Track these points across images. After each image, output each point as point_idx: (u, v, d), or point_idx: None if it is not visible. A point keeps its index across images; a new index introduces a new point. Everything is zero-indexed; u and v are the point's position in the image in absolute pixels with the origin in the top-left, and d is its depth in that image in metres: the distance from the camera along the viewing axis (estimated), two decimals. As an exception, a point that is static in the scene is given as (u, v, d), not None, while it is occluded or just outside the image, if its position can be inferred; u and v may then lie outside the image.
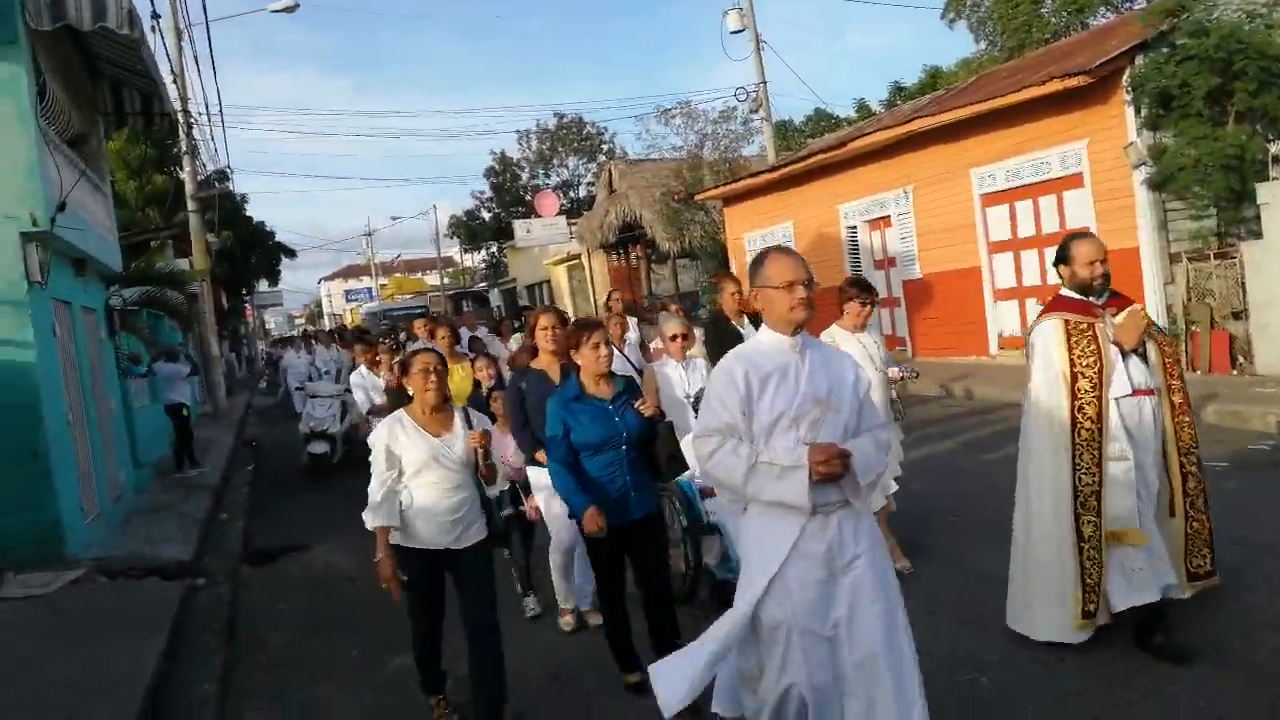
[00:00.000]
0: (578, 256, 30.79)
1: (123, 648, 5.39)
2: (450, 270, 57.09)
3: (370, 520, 3.84)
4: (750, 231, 20.22)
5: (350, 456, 11.33)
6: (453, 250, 54.02)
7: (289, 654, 5.26)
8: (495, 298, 41.33)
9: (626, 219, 25.52)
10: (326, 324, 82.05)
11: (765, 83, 21.60)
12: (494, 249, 43.04)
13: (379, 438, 3.90)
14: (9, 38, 6.73)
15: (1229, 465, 6.96)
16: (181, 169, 22.00)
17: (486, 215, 42.38)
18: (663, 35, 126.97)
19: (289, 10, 16.66)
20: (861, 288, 5.58)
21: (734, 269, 20.93)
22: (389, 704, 4.46)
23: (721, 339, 6.08)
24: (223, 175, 24.11)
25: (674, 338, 5.46)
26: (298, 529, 8.47)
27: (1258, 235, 10.58)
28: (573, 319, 7.88)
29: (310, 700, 4.55)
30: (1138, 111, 11.30)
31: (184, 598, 6.61)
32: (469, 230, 43.04)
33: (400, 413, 3.99)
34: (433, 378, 3.89)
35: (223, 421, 17.74)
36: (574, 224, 29.44)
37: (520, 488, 5.39)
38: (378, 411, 7.38)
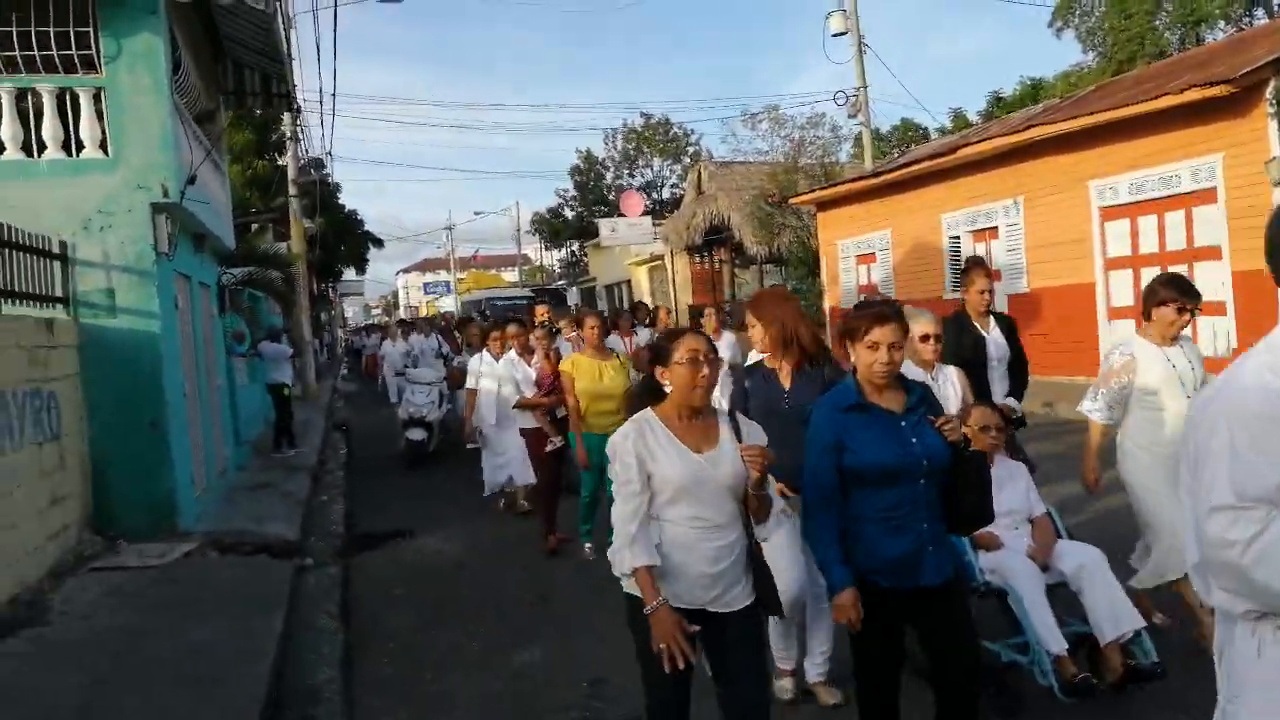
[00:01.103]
0: (660, 257, 30.65)
1: (243, 623, 5.33)
2: (525, 268, 57.45)
3: (627, 559, 2.77)
4: (844, 238, 19.81)
5: (446, 443, 11.33)
6: (532, 247, 54.37)
7: (411, 641, 5.14)
8: (573, 296, 41.44)
9: (713, 221, 25.29)
10: (403, 314, 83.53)
11: (866, 87, 21.17)
12: (575, 247, 43.15)
13: (623, 444, 2.87)
14: (150, 8, 6.78)
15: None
16: (281, 155, 22.48)
17: (569, 213, 42.52)
18: (751, 38, 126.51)
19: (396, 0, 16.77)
20: (1179, 289, 4.34)
21: (824, 276, 20.58)
22: (516, 698, 4.28)
23: (961, 342, 5.16)
24: (319, 163, 24.53)
25: (924, 338, 4.23)
26: (399, 514, 8.41)
27: None
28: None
29: (438, 693, 4.40)
30: (1282, 125, 10.69)
31: (294, 576, 6.60)
32: (551, 227, 43.24)
33: (648, 414, 2.94)
34: (704, 371, 2.87)
35: (312, 404, 17.98)
36: (659, 224, 29.30)
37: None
38: (535, 406, 7.07)
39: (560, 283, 45.63)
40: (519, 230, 46.78)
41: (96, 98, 6.75)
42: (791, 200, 21.10)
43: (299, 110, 16.90)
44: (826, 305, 20.38)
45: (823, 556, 3.00)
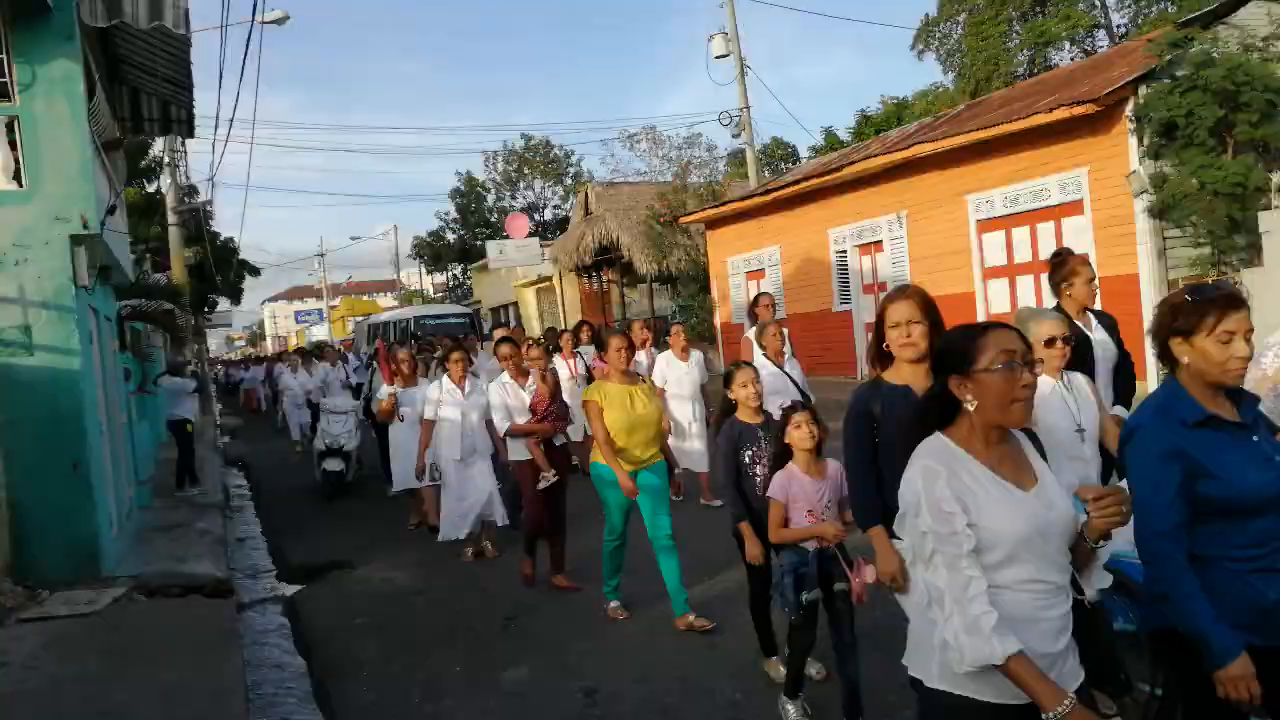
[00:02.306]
0: (548, 279, 30.70)
1: (203, 664, 5.18)
2: (400, 292, 56.38)
3: (996, 646, 2.00)
4: (734, 255, 20.38)
5: (361, 474, 11.14)
6: (412, 271, 53.44)
7: (386, 670, 5.09)
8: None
9: (602, 241, 25.54)
10: (270, 345, 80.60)
11: (748, 108, 21.89)
12: (457, 270, 42.71)
13: (936, 487, 2.13)
14: (66, 33, 6.53)
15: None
16: (149, 182, 21.58)
17: (451, 236, 42.07)
18: (623, 63, 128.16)
19: (279, 23, 16.42)
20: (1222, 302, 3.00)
21: (714, 293, 21.11)
22: (515, 714, 4.34)
23: None
24: (193, 189, 23.64)
25: (1050, 342, 3.63)
26: (329, 547, 8.26)
27: (1250, 264, 10.98)
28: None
29: (432, 715, 4.41)
30: (1140, 140, 11.67)
31: (235, 615, 6.42)
32: (432, 251, 42.67)
33: (945, 443, 2.23)
34: (1026, 377, 2.16)
35: (198, 440, 17.25)
36: (546, 245, 29.38)
37: (839, 550, 3.90)
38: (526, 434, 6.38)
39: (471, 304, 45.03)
40: (397, 254, 45.98)
41: (10, 127, 6.44)
42: (681, 219, 21.56)
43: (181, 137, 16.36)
44: (718, 321, 20.89)
45: (1193, 616, 2.34)
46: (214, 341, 76.05)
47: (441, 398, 7.20)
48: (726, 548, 6.19)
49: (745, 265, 20.14)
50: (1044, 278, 14.21)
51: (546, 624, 5.58)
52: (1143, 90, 11.59)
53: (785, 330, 6.90)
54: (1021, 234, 13.82)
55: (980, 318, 14.53)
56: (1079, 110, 11.73)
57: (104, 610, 6.37)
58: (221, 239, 28.51)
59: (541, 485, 6.19)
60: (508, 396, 6.45)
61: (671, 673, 4.61)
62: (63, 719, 4.34)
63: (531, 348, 6.90)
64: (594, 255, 26.03)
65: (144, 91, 10.01)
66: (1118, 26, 25.55)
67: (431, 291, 55.42)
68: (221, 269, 26.77)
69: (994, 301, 14.40)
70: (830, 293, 17.60)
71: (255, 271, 31.77)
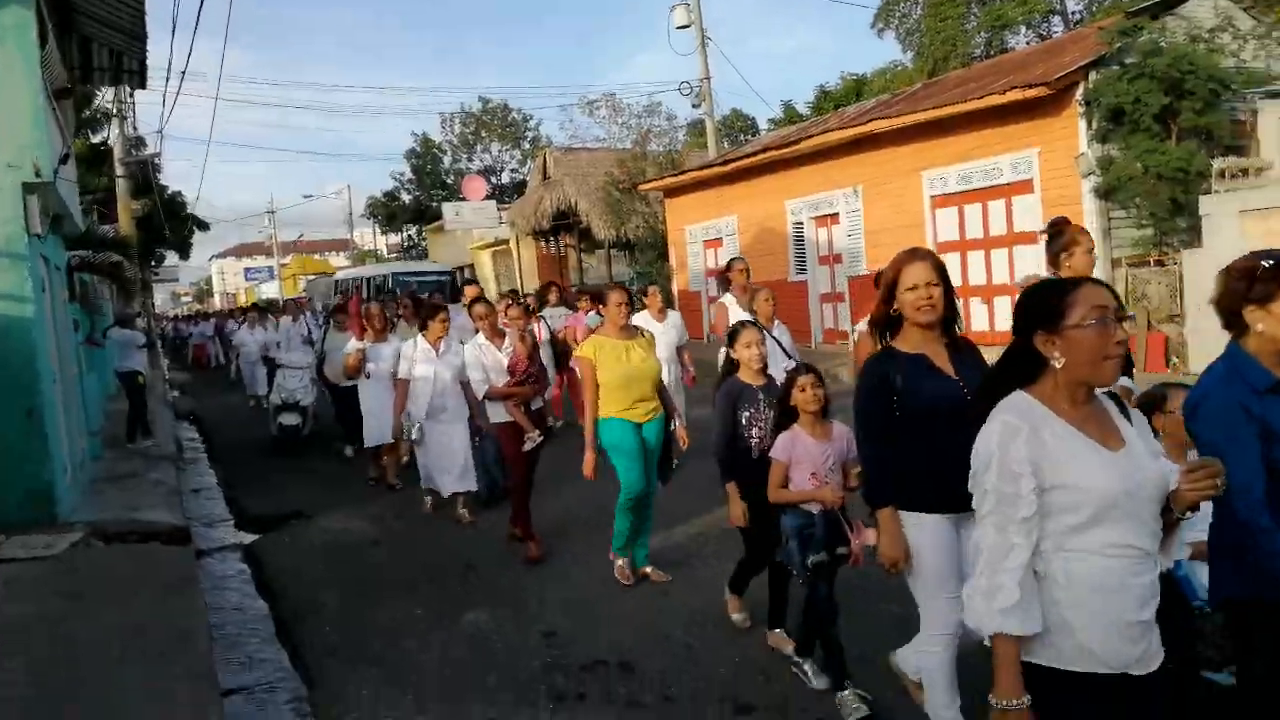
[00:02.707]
0: (505, 242, 30.60)
1: (164, 605, 5.26)
2: (353, 252, 55.73)
3: (1015, 619, 2.02)
4: (692, 223, 20.52)
5: (316, 429, 11.16)
6: (365, 231, 52.82)
7: (349, 614, 5.22)
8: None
9: (560, 206, 25.52)
10: (218, 302, 79.18)
11: (709, 79, 21.95)
12: (412, 231, 42.31)
13: (1011, 445, 2.07)
14: (21, -21, 6.43)
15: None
16: (94, 132, 21.08)
17: (406, 197, 41.62)
18: (585, 25, 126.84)
19: (236, -28, 16.07)
20: None
21: (673, 260, 21.26)
22: (478, 655, 4.50)
23: None
24: (141, 141, 23.14)
25: None
26: (285, 499, 8.32)
27: (1190, 245, 11.43)
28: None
29: (397, 657, 4.55)
30: (1089, 124, 12.03)
31: (195, 562, 6.49)
32: (387, 211, 42.19)
33: (1027, 399, 2.14)
34: (1118, 334, 2.08)
35: (150, 394, 17.04)
36: (503, 209, 29.26)
37: (842, 513, 3.87)
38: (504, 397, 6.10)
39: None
40: (351, 214, 45.40)
41: (-37, 72, 6.35)
42: (641, 186, 21.62)
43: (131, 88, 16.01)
44: (675, 289, 21.05)
45: None
46: (160, 297, 74.52)
47: (415, 356, 6.99)
48: (686, 503, 6.44)
49: (703, 234, 20.30)
50: (995, 253, 14.62)
51: (505, 573, 5.74)
52: (1093, 76, 11.94)
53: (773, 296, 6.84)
54: (974, 211, 14.16)
55: (930, 292, 14.85)
56: (1031, 93, 12.04)
57: (62, 554, 6.40)
58: (170, 192, 27.93)
59: (527, 447, 6.00)
60: (484, 357, 6.18)
61: (627, 619, 4.81)
62: (29, 651, 4.40)
63: (510, 307, 6.54)
64: (552, 220, 26.02)
65: (96, 41, 9.82)
66: (1073, 13, 26.01)
67: (385, 252, 54.79)
68: (170, 223, 26.26)
69: (944, 277, 14.73)
70: (786, 263, 17.85)
71: (204, 226, 31.23)
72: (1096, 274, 12.67)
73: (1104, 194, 11.95)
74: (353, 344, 8.38)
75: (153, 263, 28.07)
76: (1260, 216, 10.37)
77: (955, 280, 12.71)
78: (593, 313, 9.77)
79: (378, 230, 48.35)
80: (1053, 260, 4.61)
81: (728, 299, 7.34)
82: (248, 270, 75.32)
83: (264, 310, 15.74)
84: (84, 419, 10.49)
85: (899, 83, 27.00)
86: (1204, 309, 9.09)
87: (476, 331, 6.47)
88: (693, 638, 4.51)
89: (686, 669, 4.15)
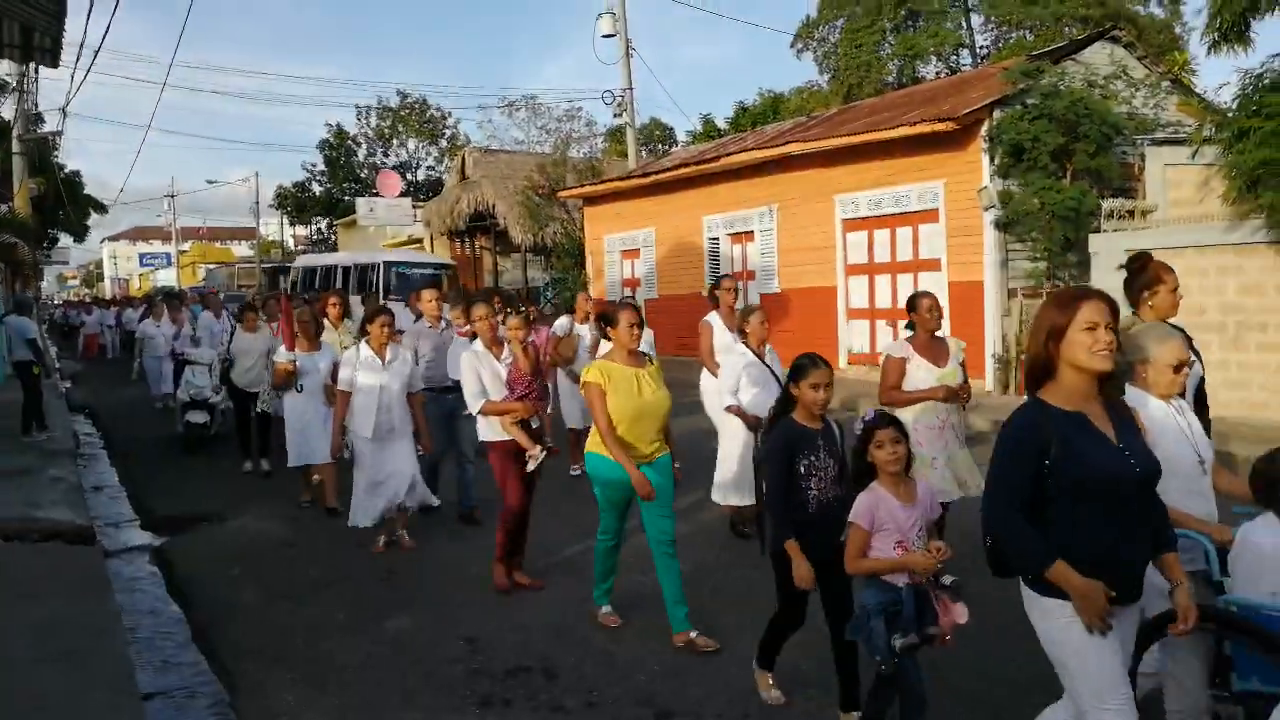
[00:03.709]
0: (419, 240, 30.28)
1: (75, 605, 5.19)
2: (257, 242, 54.19)
3: None
4: (610, 233, 20.71)
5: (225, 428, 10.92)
6: (271, 223, 51.44)
7: (267, 617, 5.23)
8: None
9: (478, 207, 25.43)
10: (108, 288, 75.86)
11: (632, 89, 22.22)
12: (322, 224, 41.44)
13: None
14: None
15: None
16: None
17: (317, 188, 40.75)
18: (510, 26, 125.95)
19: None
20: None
21: (590, 268, 21.43)
22: (400, 657, 4.58)
23: None
24: (40, 118, 22.19)
25: (1179, 367, 3.28)
26: (194, 499, 8.18)
27: (1079, 279, 12.14)
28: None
29: (318, 658, 4.60)
30: (992, 159, 12.67)
31: (103, 562, 6.37)
32: (297, 202, 41.23)
33: None
34: None
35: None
36: (419, 206, 28.99)
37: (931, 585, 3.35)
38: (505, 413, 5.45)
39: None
40: (258, 202, 44.20)
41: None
42: (560, 193, 21.74)
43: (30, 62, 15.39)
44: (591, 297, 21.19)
45: None
46: (44, 280, 71.10)
47: (358, 364, 6.32)
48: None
49: (621, 244, 20.52)
50: (901, 278, 15.14)
51: (425, 577, 5.82)
52: (997, 113, 12.58)
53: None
54: (882, 235, 14.72)
55: (841, 311, 15.41)
56: (940, 126, 12.62)
57: (-41, 552, 6.22)
58: (66, 171, 26.80)
59: (530, 466, 5.42)
60: (481, 367, 5.52)
61: (547, 625, 4.96)
62: (-62, 654, 4.31)
63: (510, 316, 5.69)
64: (468, 220, 25.89)
65: (6, 16, 9.49)
66: (980, 48, 27.17)
67: (293, 244, 53.47)
68: (63, 204, 25.19)
69: (854, 297, 15.29)
70: (702, 277, 18.17)
71: (103, 209, 30.00)
72: (992, 302, 13.25)
73: (1003, 226, 12.60)
74: (283, 353, 7.53)
75: (45, 245, 26.88)
76: (1143, 256, 11.10)
77: (863, 302, 13.13)
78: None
79: (284, 221, 47.17)
80: (1134, 300, 4.17)
81: (713, 319, 7.01)
82: (143, 256, 72.51)
83: (175, 300, 14.64)
84: (-25, 409, 10.11)
85: (814, 103, 27.79)
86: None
87: (473, 337, 5.94)
88: (612, 643, 4.69)
89: (608, 674, 4.32)
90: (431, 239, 29.01)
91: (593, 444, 4.75)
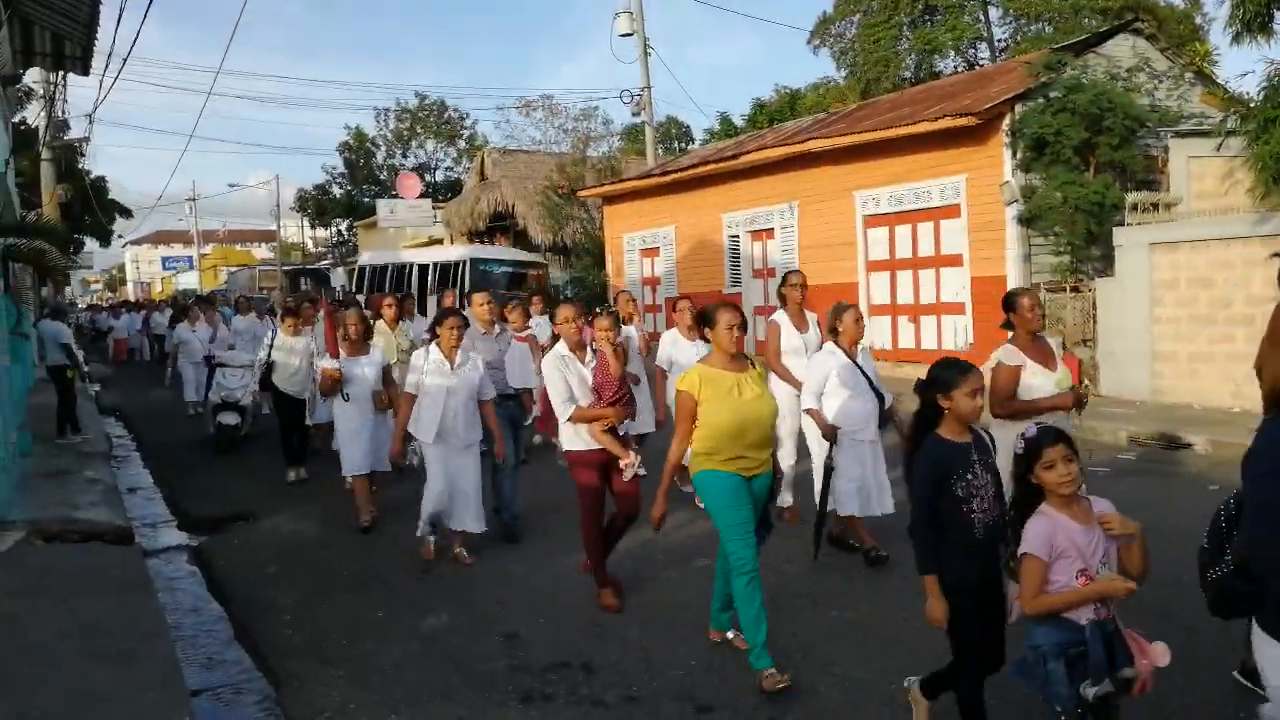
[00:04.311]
0: (439, 241, 30.45)
1: (120, 605, 5.30)
2: (274, 245, 54.60)
3: None
4: (630, 232, 20.78)
5: (256, 429, 11.07)
6: (291, 225, 51.79)
7: (307, 615, 5.32)
8: (339, 277, 40.03)
9: (498, 207, 25.59)
10: (131, 291, 76.58)
11: (650, 87, 22.26)
12: (343, 226, 41.73)
13: None
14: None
15: (1110, 470, 8.10)
16: (20, 111, 20.40)
17: (337, 191, 41.04)
18: (525, 24, 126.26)
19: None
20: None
21: (610, 267, 21.51)
22: (440, 655, 4.66)
23: None
24: (66, 124, 22.47)
25: None
26: (228, 499, 8.30)
27: (1104, 273, 12.11)
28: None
29: (359, 656, 4.69)
30: (1014, 154, 12.65)
31: (143, 562, 6.49)
32: (318, 205, 41.53)
33: None
34: None
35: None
36: (439, 207, 29.17)
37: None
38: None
39: (325, 262, 43.89)
40: (279, 205, 44.50)
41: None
42: (580, 193, 21.82)
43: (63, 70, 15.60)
44: (612, 296, 21.29)
45: None
46: (68, 285, 71.85)
47: (426, 368, 6.00)
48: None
49: (641, 242, 20.58)
50: (923, 273, 15.12)
51: (460, 575, 5.90)
52: (1019, 107, 12.55)
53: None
54: (904, 231, 14.71)
55: (862, 306, 15.33)
56: (961, 121, 12.61)
57: (5, 554, 6.35)
58: (92, 177, 27.12)
59: (628, 476, 5.13)
60: (567, 372, 5.17)
61: (584, 622, 5.02)
62: (-7, 652, 4.42)
63: (600, 317, 5.33)
64: (488, 221, 26.05)
65: (38, 25, 9.66)
66: (999, 41, 27.03)
67: (312, 246, 53.86)
68: (93, 209, 25.51)
69: (875, 293, 15.29)
70: (722, 275, 18.23)
71: (127, 213, 30.38)
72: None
73: (1025, 221, 12.57)
74: (327, 360, 7.17)
75: (71, 250, 27.21)
76: (1168, 249, 11.08)
77: (884, 299, 13.15)
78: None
79: (306, 224, 47.52)
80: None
81: (781, 318, 6.58)
82: (165, 259, 73.12)
83: (210, 304, 14.24)
84: (15, 411, 10.29)
85: (832, 99, 27.72)
86: (1117, 334, 9.81)
87: (555, 339, 5.66)
88: (648, 639, 4.75)
89: (646, 670, 4.38)
90: (451, 239, 29.18)
91: (698, 462, 4.29)
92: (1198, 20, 24.29)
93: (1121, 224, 11.63)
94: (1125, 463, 8.70)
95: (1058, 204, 12.01)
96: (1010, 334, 5.12)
